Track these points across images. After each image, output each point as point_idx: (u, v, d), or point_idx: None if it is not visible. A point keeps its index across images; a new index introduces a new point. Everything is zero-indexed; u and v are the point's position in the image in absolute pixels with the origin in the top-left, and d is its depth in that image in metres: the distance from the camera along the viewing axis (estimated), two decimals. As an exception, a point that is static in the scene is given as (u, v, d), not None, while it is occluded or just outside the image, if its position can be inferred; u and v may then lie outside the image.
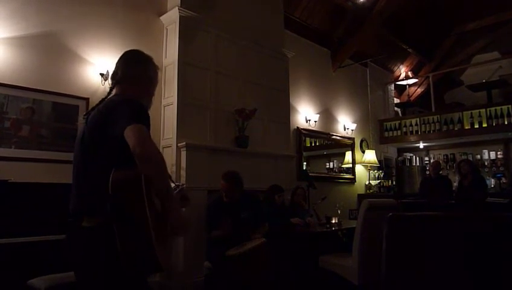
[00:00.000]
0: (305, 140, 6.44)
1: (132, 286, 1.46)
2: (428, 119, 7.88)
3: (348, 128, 7.41)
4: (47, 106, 3.57)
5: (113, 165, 1.40)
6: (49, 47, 3.64)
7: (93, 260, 1.43)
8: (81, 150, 1.56)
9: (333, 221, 4.25)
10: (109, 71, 3.92)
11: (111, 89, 1.68)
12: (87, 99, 3.81)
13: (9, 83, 3.35)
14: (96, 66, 3.92)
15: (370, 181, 7.65)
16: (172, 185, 1.69)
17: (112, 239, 1.33)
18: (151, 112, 1.62)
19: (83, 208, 1.48)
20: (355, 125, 7.57)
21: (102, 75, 3.91)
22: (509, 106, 6.90)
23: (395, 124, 8.33)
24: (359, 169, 7.60)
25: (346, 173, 7.33)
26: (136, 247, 1.32)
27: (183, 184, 1.87)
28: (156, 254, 1.32)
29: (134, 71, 1.70)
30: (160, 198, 1.47)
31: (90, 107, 3.71)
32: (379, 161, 7.76)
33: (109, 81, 1.71)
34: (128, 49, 1.81)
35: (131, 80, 1.68)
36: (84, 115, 1.62)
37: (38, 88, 3.51)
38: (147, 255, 1.32)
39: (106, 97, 1.63)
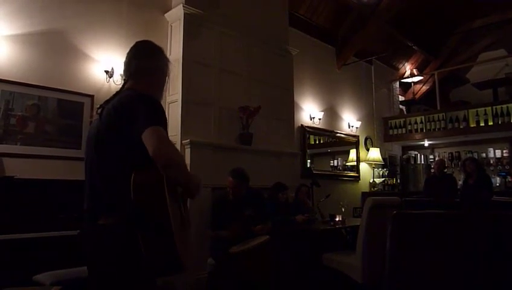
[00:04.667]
0: (309, 138, 6.43)
1: (145, 284, 1.46)
2: (433, 117, 7.84)
3: (352, 126, 7.39)
4: (52, 103, 3.59)
5: (130, 165, 1.38)
6: (54, 44, 3.66)
7: (108, 258, 1.42)
8: (95, 148, 1.52)
9: (337, 219, 4.25)
10: (114, 68, 3.94)
11: (125, 82, 1.64)
12: (92, 97, 3.82)
13: (15, 80, 3.37)
14: (101, 63, 3.93)
15: (374, 179, 7.63)
16: None
17: (130, 237, 1.33)
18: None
19: (100, 207, 1.46)
20: (359, 123, 7.54)
21: (107, 72, 3.92)
22: (515, 104, 6.86)
23: (400, 122, 8.30)
24: (363, 167, 7.58)
25: (351, 171, 7.31)
26: (159, 249, 1.33)
27: None
28: (179, 255, 1.32)
29: (148, 63, 1.66)
30: (181, 186, 1.50)
31: (95, 105, 3.76)
32: (383, 158, 7.74)
33: (121, 74, 1.69)
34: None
35: (144, 72, 1.65)
36: (98, 109, 1.58)
37: (43, 85, 3.53)
38: (171, 256, 1.33)
39: (120, 91, 1.60)
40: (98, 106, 1.59)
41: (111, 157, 1.46)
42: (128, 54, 1.68)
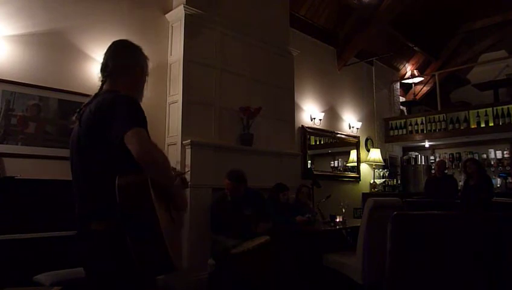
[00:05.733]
0: (309, 138, 6.43)
1: (143, 288, 1.46)
2: (434, 118, 7.83)
3: (353, 127, 7.38)
4: (53, 103, 3.59)
5: (114, 169, 1.37)
6: (55, 45, 3.66)
7: (103, 263, 1.42)
8: (78, 154, 1.51)
9: (338, 220, 4.25)
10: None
11: (102, 84, 1.61)
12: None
13: (15, 80, 3.37)
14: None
15: (375, 180, 7.62)
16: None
17: (122, 242, 1.32)
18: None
19: (89, 212, 1.46)
20: (360, 123, 7.54)
21: (107, 72, 3.92)
22: (516, 105, 6.85)
23: (401, 122, 8.29)
24: (364, 168, 7.58)
25: (351, 171, 7.31)
26: (149, 250, 1.33)
27: (187, 171, 1.92)
28: (169, 255, 1.32)
29: (125, 61, 1.63)
30: (165, 188, 1.49)
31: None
32: (384, 159, 7.73)
33: (99, 74, 1.64)
34: None
35: (122, 71, 1.61)
36: (77, 112, 1.55)
37: (44, 85, 3.53)
38: (161, 256, 1.33)
39: (98, 93, 1.57)
40: (77, 110, 1.56)
41: (94, 163, 1.46)
42: (104, 54, 1.65)
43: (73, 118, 1.56)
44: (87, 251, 1.47)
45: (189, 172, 1.97)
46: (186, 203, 1.60)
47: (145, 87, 1.72)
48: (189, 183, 1.95)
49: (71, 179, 1.58)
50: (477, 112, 7.27)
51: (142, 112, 1.46)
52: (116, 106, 1.43)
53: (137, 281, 1.42)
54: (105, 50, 1.70)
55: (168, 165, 1.45)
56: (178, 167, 4.00)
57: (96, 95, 1.57)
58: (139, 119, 1.41)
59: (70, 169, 1.57)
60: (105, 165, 1.42)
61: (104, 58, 1.64)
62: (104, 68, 1.62)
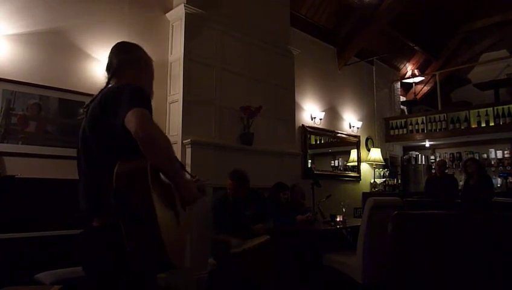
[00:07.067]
0: (310, 138, 6.43)
1: (141, 286, 1.41)
2: (434, 117, 7.83)
3: (353, 126, 7.38)
4: (53, 102, 3.59)
5: (118, 159, 1.29)
6: (56, 44, 3.66)
7: (102, 261, 1.38)
8: (83, 146, 1.47)
9: (338, 219, 4.24)
10: (115, 68, 3.94)
11: (108, 81, 1.60)
12: (93, 96, 3.82)
13: (16, 80, 3.37)
14: (102, 63, 3.92)
15: (375, 179, 7.62)
16: (188, 177, 1.64)
17: (120, 238, 1.25)
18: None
19: (92, 207, 1.42)
20: (360, 123, 7.54)
21: (108, 71, 3.92)
22: (517, 105, 6.85)
23: (401, 122, 8.29)
24: (364, 167, 7.58)
25: (352, 171, 7.31)
26: (144, 245, 1.23)
27: (198, 179, 1.78)
28: (166, 252, 1.22)
29: (130, 56, 1.64)
30: (169, 179, 1.40)
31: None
32: (384, 159, 7.73)
33: (105, 73, 1.64)
34: None
35: (127, 65, 1.61)
36: (84, 108, 1.54)
37: (45, 84, 3.53)
38: (156, 253, 1.23)
39: (104, 88, 1.55)
40: (84, 106, 1.56)
41: (98, 154, 1.41)
42: (109, 55, 1.66)
43: (81, 111, 1.55)
44: (87, 249, 1.43)
45: (203, 181, 1.80)
46: (193, 196, 1.47)
47: (153, 83, 1.69)
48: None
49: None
50: (478, 112, 7.26)
51: (146, 95, 1.40)
52: (121, 93, 1.38)
53: (137, 280, 1.38)
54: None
55: (170, 147, 1.35)
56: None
57: (102, 90, 1.55)
58: (141, 100, 1.34)
59: (76, 165, 1.54)
60: (109, 157, 1.34)
61: (109, 58, 1.65)
62: (108, 67, 1.63)
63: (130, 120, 1.27)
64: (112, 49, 1.67)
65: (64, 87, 3.65)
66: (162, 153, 1.31)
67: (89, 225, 1.42)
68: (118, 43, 1.71)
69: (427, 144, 8.41)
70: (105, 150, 1.39)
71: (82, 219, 1.50)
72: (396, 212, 1.44)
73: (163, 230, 1.22)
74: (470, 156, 7.68)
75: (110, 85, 1.57)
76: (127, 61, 1.62)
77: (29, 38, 3.49)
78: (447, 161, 7.83)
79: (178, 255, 1.38)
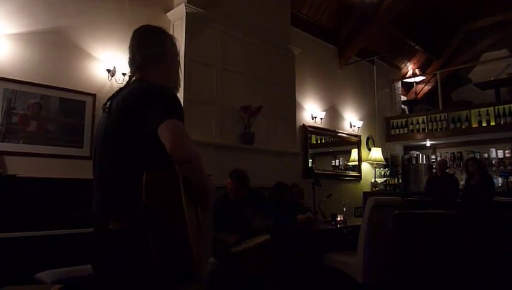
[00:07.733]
0: (310, 137, 6.42)
1: None
2: (435, 117, 7.82)
3: (354, 126, 7.38)
4: (54, 102, 3.59)
5: (143, 163, 1.23)
6: (57, 43, 3.66)
7: (120, 264, 1.30)
8: (103, 146, 1.38)
9: (339, 219, 4.24)
10: (116, 67, 3.94)
11: (131, 77, 1.48)
12: (94, 95, 3.83)
13: (17, 79, 3.37)
14: (103, 62, 3.93)
15: (376, 179, 7.62)
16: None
17: (142, 243, 1.19)
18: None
19: (110, 210, 1.33)
20: (361, 122, 7.53)
21: (109, 71, 3.93)
22: (518, 104, 6.83)
23: (402, 121, 8.28)
24: (365, 167, 7.57)
25: (352, 170, 7.30)
26: (172, 253, 1.18)
27: (210, 174, 1.72)
28: (193, 261, 1.18)
29: (155, 49, 1.49)
30: (196, 190, 1.34)
31: (97, 103, 3.76)
32: (385, 158, 7.73)
33: (128, 68, 1.51)
34: None
35: (154, 60, 1.48)
36: (106, 103, 1.43)
37: (45, 84, 3.53)
38: (184, 262, 1.19)
39: (128, 83, 1.45)
40: (106, 100, 1.46)
41: (121, 156, 1.33)
42: (130, 47, 1.51)
43: (101, 107, 1.46)
44: (103, 252, 1.35)
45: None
46: (212, 204, 1.43)
47: (179, 74, 1.58)
48: None
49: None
50: (479, 111, 7.25)
51: (180, 104, 1.34)
52: (152, 96, 1.31)
53: (152, 285, 1.29)
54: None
55: (201, 164, 1.29)
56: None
57: (127, 85, 1.46)
58: (176, 111, 1.28)
59: (92, 165, 1.47)
60: (133, 160, 1.29)
61: (130, 51, 1.50)
62: (132, 62, 1.49)
63: (165, 135, 1.22)
64: (133, 38, 1.52)
65: (65, 87, 3.66)
66: (197, 174, 1.28)
67: (103, 226, 1.33)
68: (140, 30, 1.54)
69: (428, 143, 8.40)
70: (129, 152, 1.32)
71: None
72: (397, 211, 1.44)
73: (191, 243, 1.18)
74: (470, 155, 7.68)
75: (135, 79, 1.48)
76: (153, 56, 1.49)
77: (29, 38, 3.50)
78: (447, 160, 7.82)
79: (202, 267, 1.35)
